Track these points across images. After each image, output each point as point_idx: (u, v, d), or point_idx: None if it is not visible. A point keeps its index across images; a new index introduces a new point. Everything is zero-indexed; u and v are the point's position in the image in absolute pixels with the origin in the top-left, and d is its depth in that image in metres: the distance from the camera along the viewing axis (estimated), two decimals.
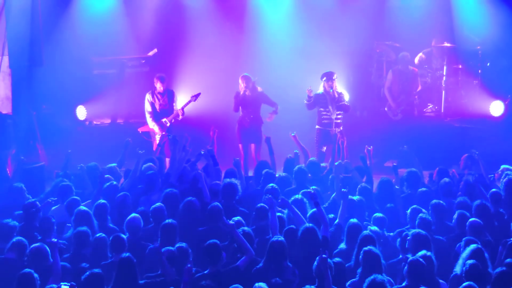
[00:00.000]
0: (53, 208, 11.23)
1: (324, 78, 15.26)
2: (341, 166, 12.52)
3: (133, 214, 10.18)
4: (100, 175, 11.84)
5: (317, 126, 15.36)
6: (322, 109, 15.21)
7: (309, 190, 10.67)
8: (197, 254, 9.41)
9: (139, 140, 15.67)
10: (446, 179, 11.97)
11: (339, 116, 15.26)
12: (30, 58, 16.67)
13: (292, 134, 14.07)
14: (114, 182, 11.89)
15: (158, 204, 10.60)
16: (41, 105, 17.61)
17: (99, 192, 11.47)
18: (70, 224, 10.45)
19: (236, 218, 9.98)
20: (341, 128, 15.23)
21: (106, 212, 10.65)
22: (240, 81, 15.39)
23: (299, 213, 10.16)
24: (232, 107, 15.62)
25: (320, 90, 15.34)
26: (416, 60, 18.51)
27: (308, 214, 10.33)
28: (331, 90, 15.12)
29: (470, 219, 9.97)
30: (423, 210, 10.43)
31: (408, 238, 9.40)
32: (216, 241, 9.07)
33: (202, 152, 12.84)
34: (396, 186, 11.98)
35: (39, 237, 9.93)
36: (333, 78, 15.22)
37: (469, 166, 13.40)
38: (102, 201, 10.77)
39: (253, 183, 12.65)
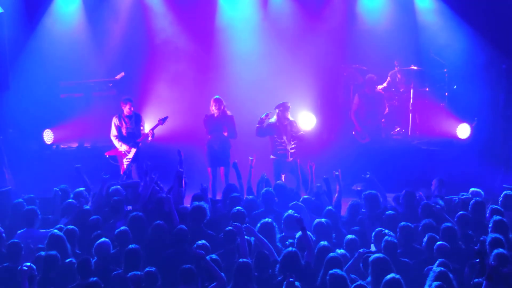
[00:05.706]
0: (19, 232, 11.09)
1: (281, 108, 15.13)
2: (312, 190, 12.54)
3: (102, 239, 10.11)
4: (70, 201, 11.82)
5: (272, 156, 15.19)
6: (276, 138, 15.10)
7: (294, 214, 10.71)
8: (165, 277, 9.38)
9: (106, 165, 15.57)
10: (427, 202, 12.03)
11: (293, 146, 15.17)
12: None
13: (250, 158, 13.98)
14: (72, 201, 11.83)
15: (123, 227, 10.54)
16: (8, 129, 17.46)
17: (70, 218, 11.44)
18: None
19: (201, 242, 9.97)
20: (297, 157, 15.11)
21: (74, 237, 10.56)
22: (212, 103, 15.29)
23: (264, 239, 10.15)
24: (203, 130, 15.52)
25: (273, 119, 15.24)
26: (385, 84, 18.58)
27: (277, 237, 10.42)
28: (289, 119, 15.06)
29: (438, 243, 10.00)
30: (386, 230, 10.44)
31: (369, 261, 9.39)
32: (191, 266, 9.10)
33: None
34: (363, 210, 11.98)
35: (6, 264, 9.80)
36: (288, 108, 15.13)
37: (439, 189, 13.41)
38: (70, 226, 10.68)
39: (221, 207, 12.60)
